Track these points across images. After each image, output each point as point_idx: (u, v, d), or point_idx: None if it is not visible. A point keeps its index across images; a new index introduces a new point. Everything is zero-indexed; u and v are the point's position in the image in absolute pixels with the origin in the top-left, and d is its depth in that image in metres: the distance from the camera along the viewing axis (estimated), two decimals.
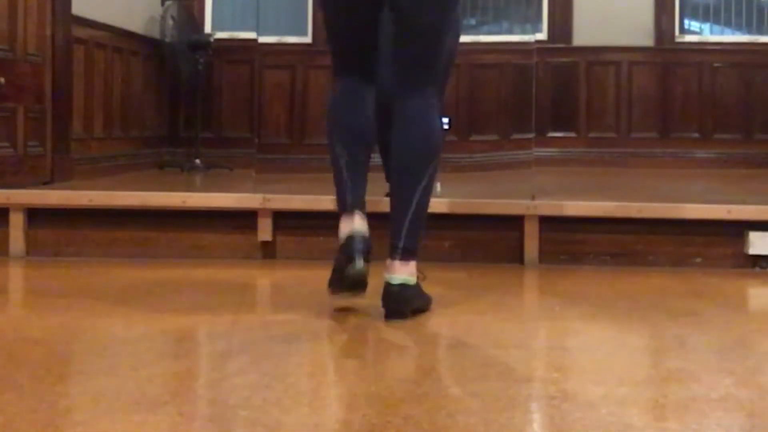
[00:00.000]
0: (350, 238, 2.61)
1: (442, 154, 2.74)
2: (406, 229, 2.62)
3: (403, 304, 2.63)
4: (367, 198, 2.75)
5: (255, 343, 2.39)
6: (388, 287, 2.61)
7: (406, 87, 2.73)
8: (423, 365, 2.26)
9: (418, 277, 2.69)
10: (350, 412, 1.80)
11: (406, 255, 2.62)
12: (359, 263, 2.58)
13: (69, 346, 2.39)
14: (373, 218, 2.70)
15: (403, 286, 2.62)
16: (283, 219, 3.75)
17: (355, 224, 2.62)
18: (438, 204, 3.77)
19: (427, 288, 2.78)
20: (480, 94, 6.75)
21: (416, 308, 2.68)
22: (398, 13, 2.70)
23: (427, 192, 2.67)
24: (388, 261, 2.63)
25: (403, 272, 2.62)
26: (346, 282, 2.63)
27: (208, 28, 6.94)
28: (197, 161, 6.14)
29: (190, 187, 5.06)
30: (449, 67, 3.15)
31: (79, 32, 5.16)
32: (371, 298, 2.95)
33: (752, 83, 7.04)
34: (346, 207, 2.66)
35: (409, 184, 2.65)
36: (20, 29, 4.56)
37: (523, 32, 7.17)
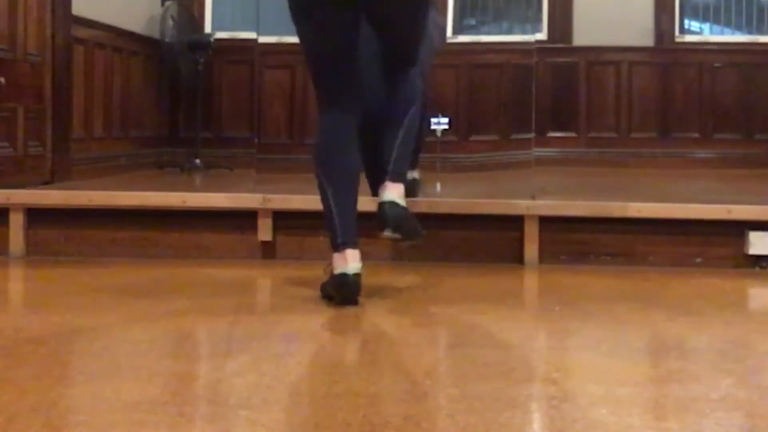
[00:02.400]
0: (342, 277, 2.77)
1: (432, 153, 3.07)
2: (395, 157, 2.90)
3: (396, 218, 2.84)
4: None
5: (255, 343, 2.39)
6: (381, 205, 2.85)
7: (392, 74, 3.00)
8: (423, 365, 2.26)
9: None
10: (350, 412, 1.80)
11: (395, 177, 2.87)
12: (352, 304, 2.78)
13: (69, 346, 2.39)
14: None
15: (394, 204, 2.83)
16: (283, 219, 3.75)
17: (349, 264, 2.77)
18: (438, 204, 3.78)
19: (427, 288, 2.78)
20: (480, 94, 6.75)
21: (410, 228, 2.91)
22: (377, 27, 2.94)
23: (412, 124, 2.97)
24: (382, 184, 2.89)
25: (393, 192, 2.84)
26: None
27: (208, 28, 6.94)
28: (197, 161, 6.13)
29: (190, 187, 5.05)
30: (430, 52, 3.52)
31: (79, 32, 5.15)
32: (370, 299, 2.95)
33: (752, 83, 7.04)
34: (337, 247, 2.80)
35: (394, 124, 2.95)
36: (20, 29, 4.56)
37: (523, 32, 7.17)
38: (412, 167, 3.82)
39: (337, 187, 2.89)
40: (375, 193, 2.99)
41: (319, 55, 2.94)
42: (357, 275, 2.77)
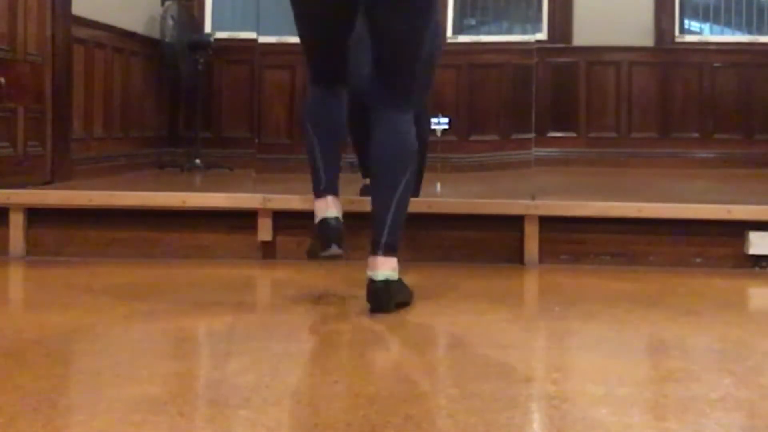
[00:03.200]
0: (324, 222, 2.82)
1: (431, 153, 2.91)
2: (388, 226, 2.73)
3: (387, 299, 2.70)
4: (344, 197, 2.93)
5: (255, 343, 2.39)
6: (372, 284, 2.69)
7: (382, 97, 2.86)
8: (423, 365, 2.26)
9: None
10: (350, 412, 1.80)
11: (389, 251, 2.72)
12: (334, 250, 2.80)
13: (69, 346, 2.39)
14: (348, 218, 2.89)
15: (387, 282, 2.70)
16: (283, 219, 3.75)
17: (329, 208, 2.83)
18: (438, 204, 3.78)
19: (427, 288, 2.78)
20: (480, 94, 6.75)
21: (399, 302, 2.76)
22: (373, 24, 2.81)
23: (407, 190, 2.80)
24: (371, 258, 2.72)
25: (386, 267, 2.70)
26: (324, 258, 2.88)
27: (208, 28, 6.94)
28: (197, 161, 6.14)
29: (190, 187, 5.06)
30: (430, 75, 3.28)
31: (79, 32, 5.16)
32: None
33: (752, 83, 7.04)
34: (320, 189, 2.86)
35: (389, 186, 2.78)
36: (20, 29, 4.56)
37: (523, 32, 7.17)
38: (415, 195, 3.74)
39: (323, 139, 2.90)
40: (365, 174, 3.00)
41: (309, 37, 2.93)
42: (338, 219, 2.83)
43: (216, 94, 6.81)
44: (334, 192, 2.86)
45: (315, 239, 2.89)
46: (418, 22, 2.78)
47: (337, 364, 2.30)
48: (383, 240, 2.71)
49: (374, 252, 2.71)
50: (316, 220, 2.85)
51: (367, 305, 2.70)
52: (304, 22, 2.92)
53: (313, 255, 2.95)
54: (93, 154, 5.40)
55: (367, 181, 3.16)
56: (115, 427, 1.68)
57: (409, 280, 3.18)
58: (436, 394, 1.95)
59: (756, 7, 7.27)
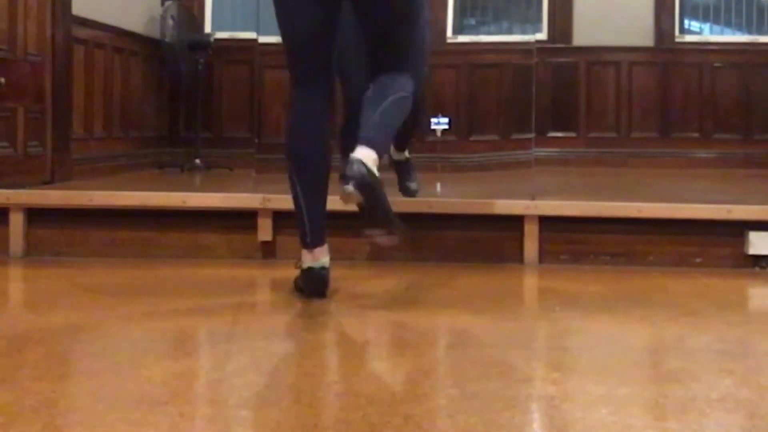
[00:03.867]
0: (310, 272, 2.88)
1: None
2: (371, 124, 2.73)
3: (361, 176, 2.61)
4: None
5: (255, 343, 2.39)
6: (350, 160, 2.65)
7: (379, 64, 2.88)
8: (423, 365, 2.26)
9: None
10: (350, 412, 1.80)
11: (368, 143, 2.68)
12: (320, 296, 2.88)
13: (69, 346, 2.39)
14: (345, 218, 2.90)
15: (361, 162, 2.62)
16: (283, 219, 3.75)
17: (315, 259, 2.87)
18: (438, 204, 3.78)
19: (427, 288, 2.78)
20: (480, 94, 6.75)
21: (378, 203, 2.67)
22: (360, 8, 2.82)
23: (397, 105, 2.80)
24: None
25: (363, 154, 2.64)
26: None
27: (208, 28, 6.94)
28: (197, 161, 6.13)
29: (190, 187, 5.06)
30: (423, 46, 3.20)
31: (79, 32, 5.16)
32: (370, 299, 2.96)
33: (752, 83, 7.04)
34: (307, 244, 2.89)
35: (377, 99, 2.79)
36: (20, 29, 4.56)
37: (523, 32, 7.17)
38: (402, 149, 3.80)
39: (306, 187, 2.89)
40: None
41: (291, 38, 2.92)
42: (324, 269, 2.87)
43: (216, 94, 6.81)
44: (322, 243, 2.89)
45: (302, 283, 2.95)
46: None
47: (337, 364, 2.30)
48: (363, 134, 2.70)
49: (359, 143, 2.68)
50: (303, 266, 2.90)
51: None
52: (287, 12, 2.90)
53: (299, 291, 2.99)
54: (93, 154, 5.40)
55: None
56: (115, 427, 1.68)
57: (409, 280, 3.19)
58: (436, 394, 1.95)
59: (756, 7, 7.27)
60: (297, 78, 2.95)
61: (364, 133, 2.71)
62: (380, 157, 2.70)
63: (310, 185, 2.90)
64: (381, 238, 2.75)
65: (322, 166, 2.91)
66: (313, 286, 2.89)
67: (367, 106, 2.81)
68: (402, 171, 3.81)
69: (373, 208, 2.64)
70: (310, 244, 2.87)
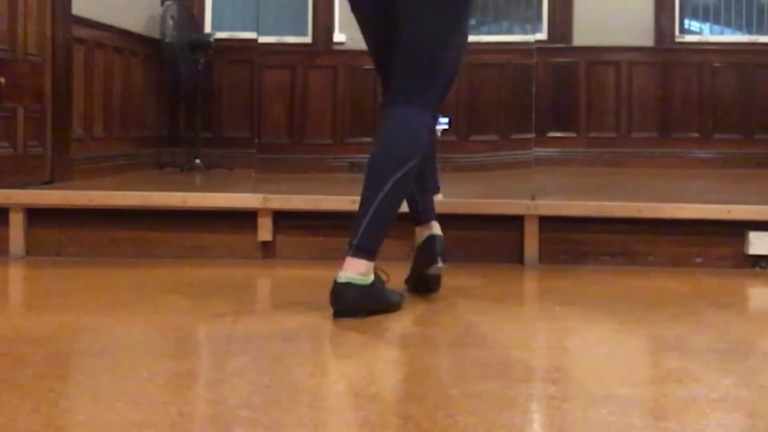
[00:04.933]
0: (431, 239, 2.85)
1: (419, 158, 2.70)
2: (364, 226, 2.59)
3: (347, 302, 2.56)
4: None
5: (255, 343, 2.39)
6: (334, 284, 2.57)
7: (398, 95, 2.74)
8: (423, 365, 2.26)
9: (380, 277, 2.65)
10: (350, 412, 1.80)
11: (359, 253, 2.58)
12: (440, 264, 2.84)
13: (69, 346, 2.38)
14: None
15: (349, 285, 2.56)
16: (283, 219, 3.75)
17: (433, 229, 2.87)
18: (438, 204, 3.77)
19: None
20: (480, 94, 6.75)
21: (370, 308, 2.61)
22: (402, 22, 2.72)
23: (393, 196, 2.63)
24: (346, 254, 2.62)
25: (350, 269, 2.56)
26: (426, 280, 2.93)
27: (208, 28, 6.94)
28: (197, 161, 6.14)
29: (190, 187, 5.06)
30: (449, 83, 2.99)
31: (79, 32, 5.16)
32: None
33: (752, 83, 7.04)
34: (420, 221, 2.89)
35: (376, 184, 2.62)
36: (20, 29, 4.56)
37: (523, 32, 7.17)
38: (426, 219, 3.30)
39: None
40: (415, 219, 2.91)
41: (367, 43, 2.92)
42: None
43: (216, 94, 6.81)
44: (434, 218, 2.92)
45: (417, 260, 2.93)
46: (446, 16, 2.70)
47: (337, 364, 2.30)
48: (355, 241, 2.58)
49: (346, 252, 2.59)
50: (419, 241, 2.90)
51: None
52: (356, 18, 2.89)
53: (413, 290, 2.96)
54: (93, 154, 5.40)
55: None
56: (115, 427, 1.68)
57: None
58: (436, 394, 1.95)
59: (756, 7, 7.27)
60: (383, 79, 2.92)
61: (353, 237, 2.59)
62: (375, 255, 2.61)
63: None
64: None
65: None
66: (433, 256, 2.86)
67: (364, 188, 2.64)
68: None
69: (383, 309, 2.65)
70: (424, 219, 2.91)
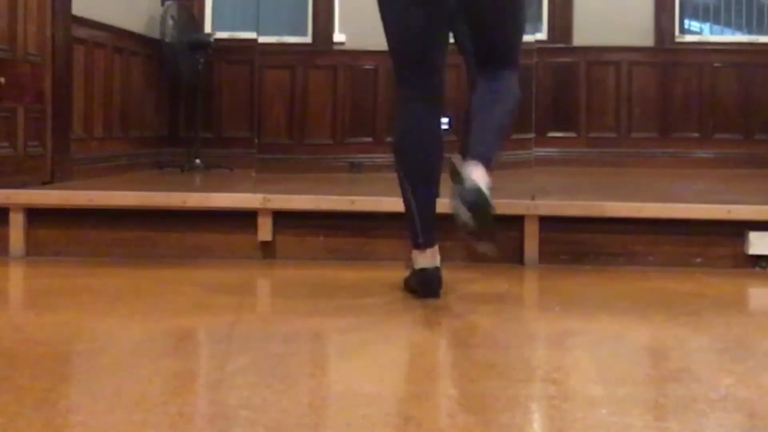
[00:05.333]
0: (424, 272, 2.86)
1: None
2: (485, 139, 2.74)
3: (483, 201, 2.62)
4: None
5: (255, 343, 2.39)
6: (426, 272, 2.81)
7: (487, 70, 2.87)
8: (423, 365, 2.26)
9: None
10: (350, 412, 1.80)
11: (483, 160, 2.66)
12: (435, 297, 2.85)
13: (69, 346, 2.38)
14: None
15: (476, 190, 2.62)
16: (283, 219, 3.75)
17: (428, 260, 2.86)
18: (438, 204, 3.77)
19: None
20: None
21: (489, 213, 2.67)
22: (477, 10, 2.81)
23: (504, 130, 2.84)
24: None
25: (478, 175, 2.63)
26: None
27: (208, 28, 6.94)
28: (197, 161, 6.14)
29: (190, 187, 5.06)
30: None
31: (79, 32, 5.16)
32: (370, 299, 2.96)
33: (752, 83, 7.04)
34: (419, 245, 2.87)
35: (491, 107, 2.80)
36: (20, 29, 4.56)
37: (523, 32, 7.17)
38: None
39: (415, 183, 2.85)
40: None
41: (402, 37, 2.86)
42: (437, 269, 2.86)
43: (216, 94, 6.81)
44: (432, 242, 2.87)
45: (414, 284, 2.91)
46: None
47: (337, 364, 2.30)
48: (478, 149, 2.68)
49: (471, 161, 2.64)
50: (416, 267, 2.88)
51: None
52: (400, 20, 2.84)
53: (411, 292, 2.94)
54: (93, 154, 5.40)
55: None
56: (115, 427, 1.68)
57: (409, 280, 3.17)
58: (436, 394, 1.95)
59: (756, 7, 7.27)
60: (405, 76, 2.90)
61: (478, 147, 2.70)
62: (491, 169, 2.70)
63: (422, 184, 2.87)
64: (484, 246, 2.81)
65: (434, 164, 2.89)
66: (427, 287, 2.86)
67: (479, 115, 2.79)
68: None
69: (483, 229, 2.68)
70: (423, 245, 2.85)
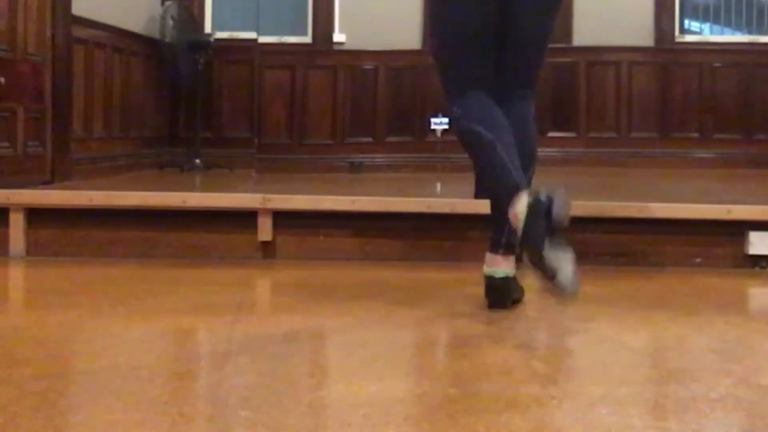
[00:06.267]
0: (490, 280, 2.74)
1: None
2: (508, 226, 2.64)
3: (506, 295, 2.75)
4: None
5: (255, 343, 2.39)
6: (493, 281, 2.73)
7: (514, 90, 2.83)
8: (423, 365, 2.26)
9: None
10: (350, 411, 1.80)
11: (509, 250, 2.71)
12: (499, 305, 2.75)
13: (69, 346, 2.39)
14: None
15: (506, 279, 2.73)
16: (283, 219, 3.75)
17: (500, 266, 2.73)
18: (438, 204, 3.78)
19: (427, 289, 2.77)
20: None
21: (515, 299, 2.80)
22: (515, 24, 2.78)
23: (534, 148, 2.81)
24: (490, 255, 2.73)
25: (506, 266, 2.72)
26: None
27: (208, 28, 6.95)
28: (197, 161, 6.14)
29: (190, 187, 5.06)
30: None
31: (79, 32, 5.16)
32: (370, 299, 2.96)
33: (752, 83, 7.04)
34: (493, 246, 2.73)
35: (521, 140, 2.73)
36: (20, 29, 4.56)
37: None
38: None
39: (490, 129, 2.68)
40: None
41: (458, 36, 2.78)
42: (505, 279, 2.73)
43: (216, 94, 6.81)
44: (511, 248, 2.71)
45: (485, 291, 2.77)
46: (552, 14, 2.86)
47: (337, 364, 2.30)
48: (503, 239, 2.69)
49: (494, 250, 2.72)
50: (485, 271, 2.75)
51: (483, 301, 2.75)
52: (454, 27, 2.78)
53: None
54: (93, 154, 5.40)
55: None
56: (115, 427, 1.68)
57: (409, 280, 3.18)
58: (436, 394, 1.95)
59: (756, 7, 7.27)
60: (464, 80, 2.80)
61: (500, 236, 2.69)
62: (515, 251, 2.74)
63: (496, 130, 2.69)
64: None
65: (506, 124, 2.73)
66: (491, 296, 2.75)
67: (501, 188, 2.66)
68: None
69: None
70: (497, 247, 2.72)
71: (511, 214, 2.54)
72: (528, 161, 2.75)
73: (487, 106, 2.76)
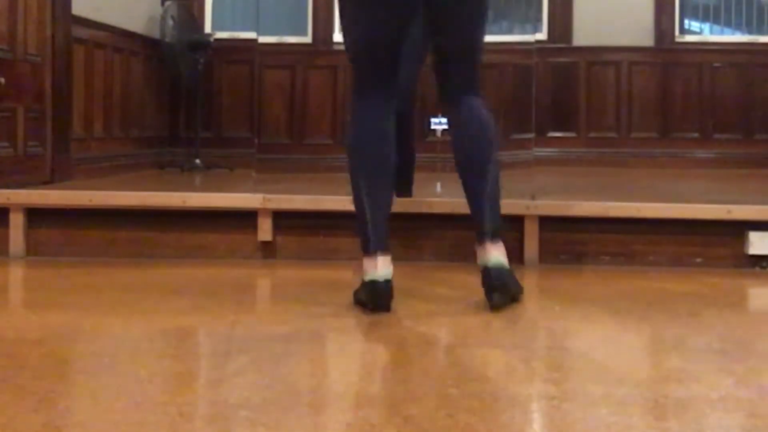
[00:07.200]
0: (373, 284, 2.71)
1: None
2: (487, 214, 2.76)
3: (505, 282, 2.75)
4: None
5: (255, 343, 2.39)
6: (487, 270, 2.73)
7: (459, 83, 2.87)
8: (423, 365, 2.26)
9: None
10: (350, 412, 1.80)
11: (495, 236, 2.75)
12: (386, 310, 2.70)
13: (69, 346, 2.39)
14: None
15: (501, 266, 2.73)
16: (283, 219, 3.75)
17: (378, 269, 2.71)
18: (438, 204, 3.78)
19: (426, 288, 2.77)
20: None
21: (514, 298, 2.81)
22: (447, 36, 2.83)
23: (495, 178, 2.82)
24: (478, 246, 2.76)
25: (496, 253, 2.73)
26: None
27: (208, 28, 6.95)
28: (197, 161, 6.14)
29: (190, 187, 5.05)
30: None
31: (79, 32, 5.16)
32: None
33: (752, 83, 7.04)
34: (368, 251, 2.75)
35: (478, 176, 2.80)
36: (20, 29, 4.56)
37: (523, 32, 7.17)
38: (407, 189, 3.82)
39: (370, 180, 2.79)
40: (398, 192, 2.91)
41: (368, 37, 2.84)
42: (388, 281, 2.70)
43: (216, 94, 6.81)
44: (385, 249, 2.73)
45: (364, 296, 2.74)
46: (481, 22, 2.87)
47: (337, 364, 2.30)
48: (486, 228, 2.74)
49: (481, 240, 2.74)
50: (365, 278, 2.72)
51: (483, 300, 2.74)
52: (364, 20, 2.84)
53: (360, 305, 2.78)
54: (93, 154, 5.40)
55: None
56: (115, 427, 1.68)
57: (409, 280, 3.18)
58: (436, 394, 1.95)
59: (756, 7, 7.27)
60: (369, 79, 2.87)
61: (486, 226, 2.75)
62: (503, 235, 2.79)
63: (374, 180, 2.80)
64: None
65: (387, 162, 2.82)
66: (376, 300, 2.69)
67: (470, 180, 2.82)
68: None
69: (513, 297, 2.82)
70: (373, 251, 2.72)
71: (366, 263, 2.72)
72: (487, 150, 2.80)
73: (373, 125, 2.85)
